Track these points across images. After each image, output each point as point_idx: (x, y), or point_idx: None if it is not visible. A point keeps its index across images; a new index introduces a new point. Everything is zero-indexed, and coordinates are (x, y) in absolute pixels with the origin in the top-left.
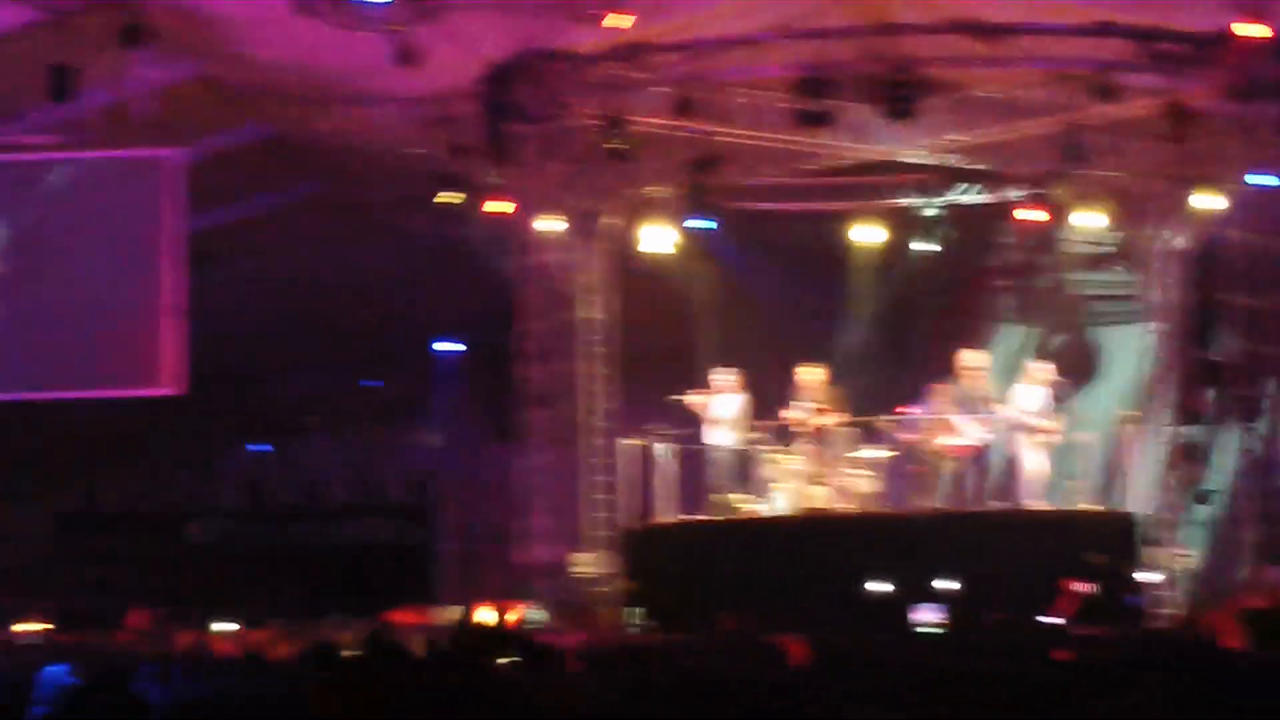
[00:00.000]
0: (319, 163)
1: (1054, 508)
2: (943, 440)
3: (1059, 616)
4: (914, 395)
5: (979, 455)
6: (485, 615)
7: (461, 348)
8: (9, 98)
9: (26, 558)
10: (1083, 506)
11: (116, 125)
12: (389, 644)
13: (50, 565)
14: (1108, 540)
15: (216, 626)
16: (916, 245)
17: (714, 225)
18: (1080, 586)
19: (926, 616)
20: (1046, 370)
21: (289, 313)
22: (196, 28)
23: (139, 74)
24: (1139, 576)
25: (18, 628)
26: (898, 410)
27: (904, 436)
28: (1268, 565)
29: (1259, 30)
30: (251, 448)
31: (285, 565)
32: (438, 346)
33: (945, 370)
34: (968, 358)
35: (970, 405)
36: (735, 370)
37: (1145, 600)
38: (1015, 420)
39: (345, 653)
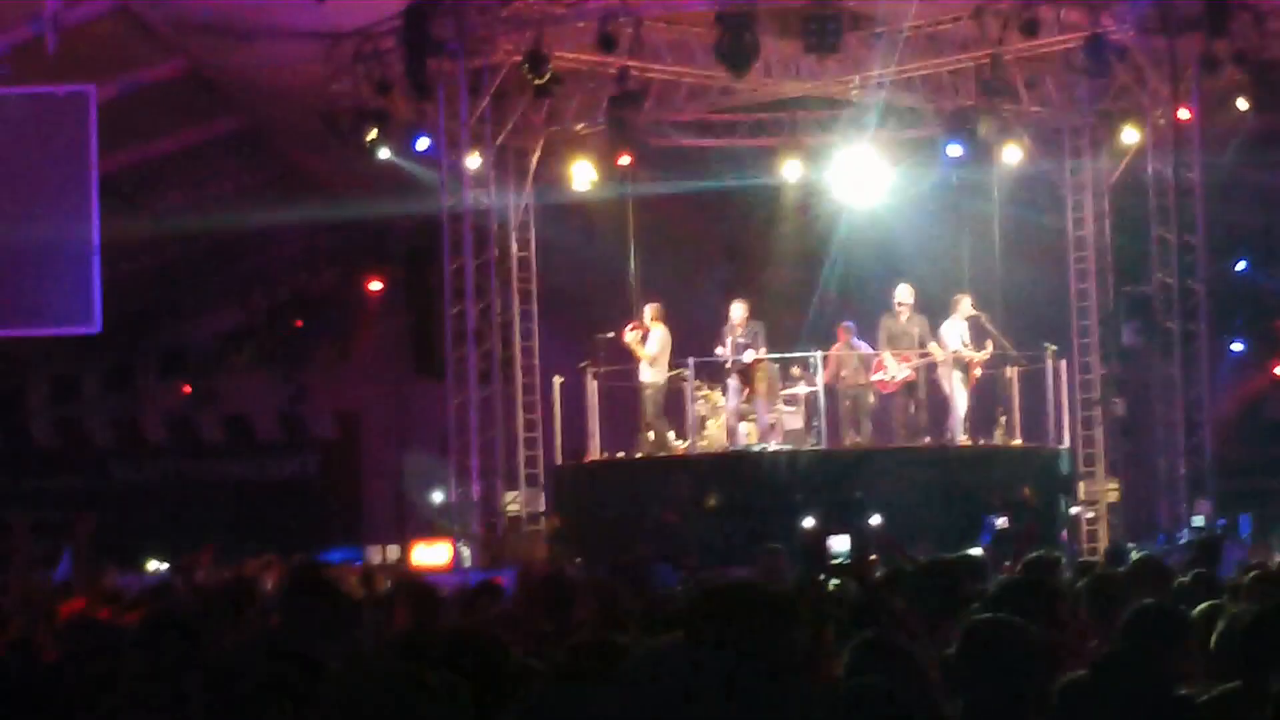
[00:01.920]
0: (238, 100)
1: (981, 442)
2: (865, 375)
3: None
4: (840, 332)
5: (903, 391)
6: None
7: (380, 285)
8: None
9: None
10: (1010, 441)
11: (33, 61)
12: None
13: None
14: (1036, 475)
15: (150, 565)
16: (840, 182)
17: (637, 160)
18: (1000, 520)
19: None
20: (971, 305)
21: (212, 250)
22: None
23: (55, 9)
24: (1068, 510)
25: None
26: (825, 347)
27: (827, 372)
28: (1195, 499)
29: None
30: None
31: (212, 502)
32: (363, 284)
33: (871, 307)
34: (901, 292)
35: (899, 341)
36: (662, 307)
37: (1074, 534)
38: (940, 355)
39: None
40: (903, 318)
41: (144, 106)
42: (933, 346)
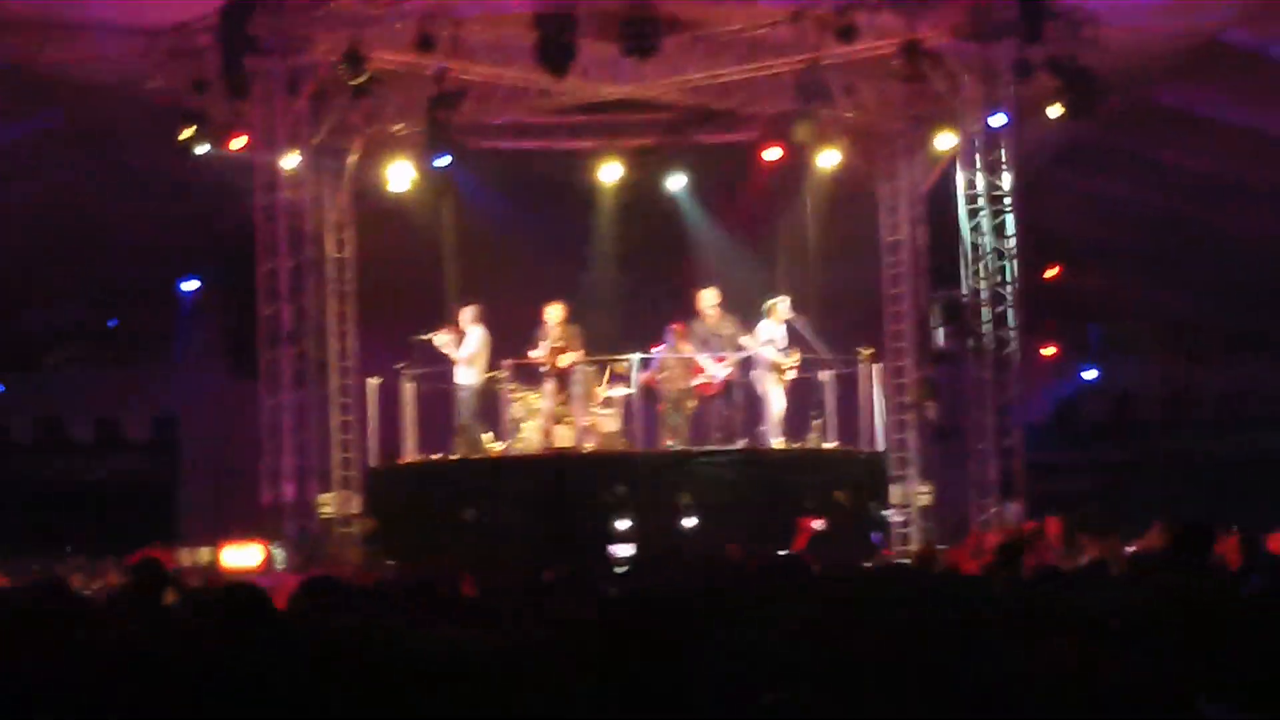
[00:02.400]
0: (57, 94)
1: (796, 445)
2: (686, 379)
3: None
4: (658, 334)
5: (722, 393)
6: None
7: (197, 285)
8: None
9: None
10: (824, 444)
11: None
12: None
13: None
14: (850, 477)
15: None
16: (659, 184)
17: (456, 162)
18: (816, 523)
19: (620, 553)
20: (786, 307)
21: (28, 246)
22: None
23: None
24: (880, 513)
25: None
26: (645, 349)
27: (648, 375)
28: (1005, 501)
29: None
30: None
31: (25, 503)
32: (181, 285)
33: (687, 309)
34: (708, 296)
35: (712, 343)
36: (480, 309)
37: (886, 536)
38: (757, 357)
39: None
40: (710, 320)
41: None
42: (745, 340)
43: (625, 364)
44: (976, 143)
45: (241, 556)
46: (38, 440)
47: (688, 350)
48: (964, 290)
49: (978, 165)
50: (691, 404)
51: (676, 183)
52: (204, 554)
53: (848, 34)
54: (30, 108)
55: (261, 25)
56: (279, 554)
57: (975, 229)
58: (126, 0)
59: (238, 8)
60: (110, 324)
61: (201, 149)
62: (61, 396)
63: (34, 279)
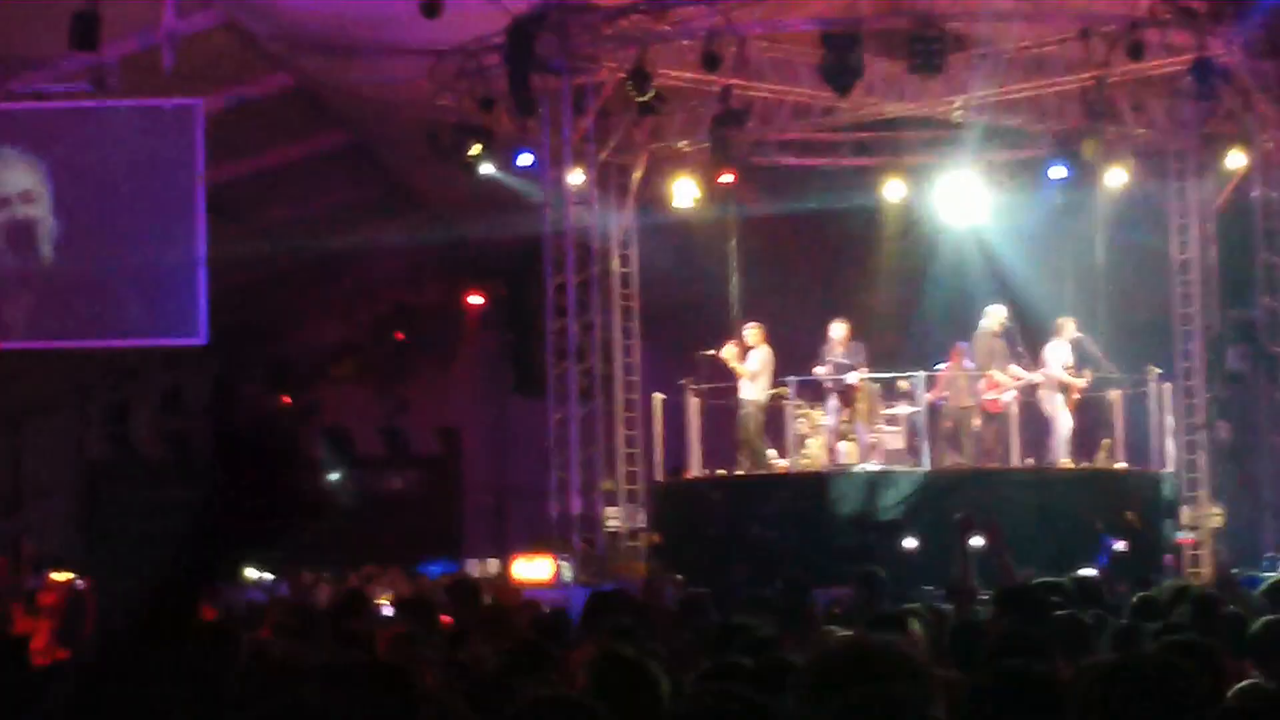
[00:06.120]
0: (340, 115)
1: (1084, 465)
2: (970, 397)
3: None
4: (941, 352)
5: (1008, 411)
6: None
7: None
8: (34, 46)
9: (58, 508)
10: (1113, 464)
11: (141, 74)
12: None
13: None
14: (1140, 498)
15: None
16: (942, 202)
17: (739, 179)
18: (1119, 545)
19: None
20: (1073, 326)
21: (314, 263)
22: None
23: (165, 22)
24: (1171, 535)
25: None
26: (931, 367)
27: (933, 392)
28: None
29: None
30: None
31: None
32: (465, 300)
33: (969, 326)
34: (995, 313)
35: (1001, 361)
36: (764, 325)
37: (1177, 558)
38: (1045, 377)
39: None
40: (999, 339)
41: (250, 120)
42: (1049, 364)
43: (909, 381)
44: (1268, 160)
45: (532, 569)
46: (326, 454)
47: (967, 369)
48: (1256, 310)
49: (1269, 183)
50: (975, 422)
51: (961, 201)
52: (492, 566)
53: (1137, 51)
54: (312, 128)
55: (549, 44)
56: (566, 567)
57: (1268, 247)
58: (415, 22)
59: (526, 27)
60: (394, 338)
61: (487, 167)
62: (347, 410)
63: (322, 294)
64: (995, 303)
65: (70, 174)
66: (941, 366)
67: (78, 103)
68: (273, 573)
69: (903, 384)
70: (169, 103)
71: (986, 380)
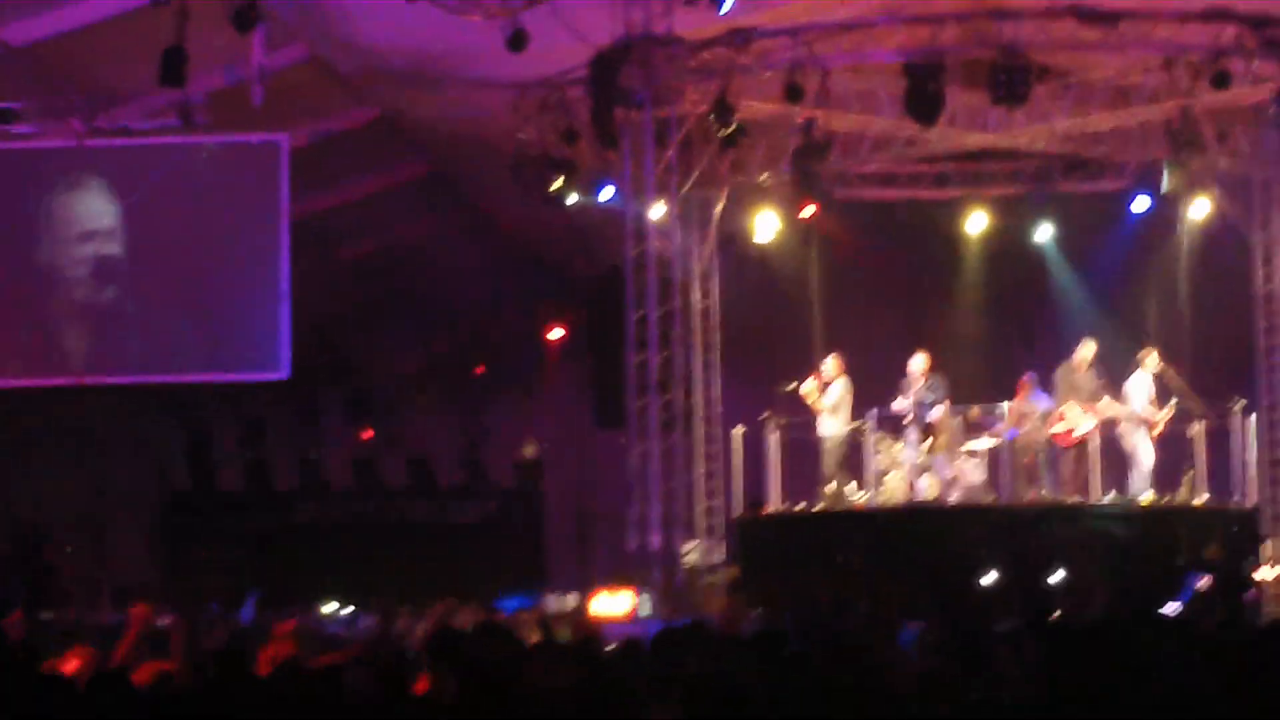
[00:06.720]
0: (421, 146)
1: (1166, 499)
2: (1052, 430)
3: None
4: (1021, 385)
5: (1089, 445)
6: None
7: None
8: (121, 81)
9: (139, 539)
10: (1193, 499)
11: (227, 109)
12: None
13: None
14: (1221, 534)
15: (325, 608)
16: (1025, 233)
17: (821, 211)
18: (1201, 582)
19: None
20: (1155, 359)
21: (395, 293)
22: (307, 11)
23: (254, 58)
24: (1254, 572)
25: None
26: (1010, 401)
27: (1002, 426)
28: None
29: None
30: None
31: (394, 545)
32: (545, 332)
33: (1053, 359)
34: (1085, 347)
35: (1080, 394)
36: (844, 358)
37: (1260, 594)
38: (1125, 410)
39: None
40: (1084, 371)
41: (332, 153)
42: (1104, 403)
43: (991, 413)
44: None
45: (611, 604)
46: (407, 483)
47: (1034, 401)
48: None
49: None
50: (1059, 455)
51: (1043, 233)
52: (571, 600)
53: (1222, 81)
54: (394, 160)
55: (631, 77)
56: (645, 600)
57: None
58: (499, 55)
59: (609, 60)
60: (474, 368)
61: (570, 199)
62: (429, 440)
63: (403, 325)
64: (1082, 335)
65: (153, 208)
66: (1020, 400)
67: (164, 139)
68: (352, 604)
69: (984, 416)
70: (254, 138)
71: (1058, 414)
